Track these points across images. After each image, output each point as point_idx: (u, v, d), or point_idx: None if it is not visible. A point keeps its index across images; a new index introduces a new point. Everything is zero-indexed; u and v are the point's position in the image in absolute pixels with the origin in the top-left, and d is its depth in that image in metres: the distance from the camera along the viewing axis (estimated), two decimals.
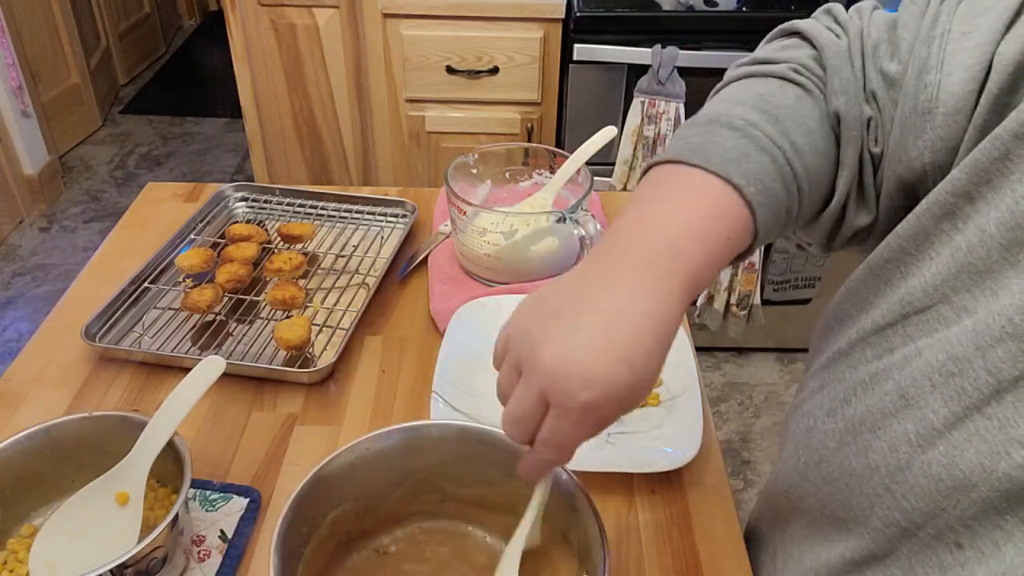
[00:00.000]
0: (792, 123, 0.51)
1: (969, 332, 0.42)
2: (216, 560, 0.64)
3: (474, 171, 1.00)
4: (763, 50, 0.59)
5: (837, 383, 0.52)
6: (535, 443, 0.46)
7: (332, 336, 0.87)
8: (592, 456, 0.73)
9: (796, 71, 0.54)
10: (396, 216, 1.05)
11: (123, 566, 0.55)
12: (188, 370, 0.66)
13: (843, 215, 0.55)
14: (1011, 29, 0.45)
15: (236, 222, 1.04)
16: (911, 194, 0.52)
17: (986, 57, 0.46)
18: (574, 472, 0.56)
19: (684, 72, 1.70)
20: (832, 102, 0.52)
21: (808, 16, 0.58)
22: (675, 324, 0.45)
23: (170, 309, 0.90)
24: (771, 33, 0.60)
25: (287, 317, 0.87)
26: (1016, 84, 0.44)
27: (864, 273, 0.52)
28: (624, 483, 0.71)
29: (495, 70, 1.83)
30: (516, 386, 0.46)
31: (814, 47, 0.55)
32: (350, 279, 0.95)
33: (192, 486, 0.68)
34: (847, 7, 0.57)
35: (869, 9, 0.55)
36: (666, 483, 0.71)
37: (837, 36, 0.54)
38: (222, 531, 0.66)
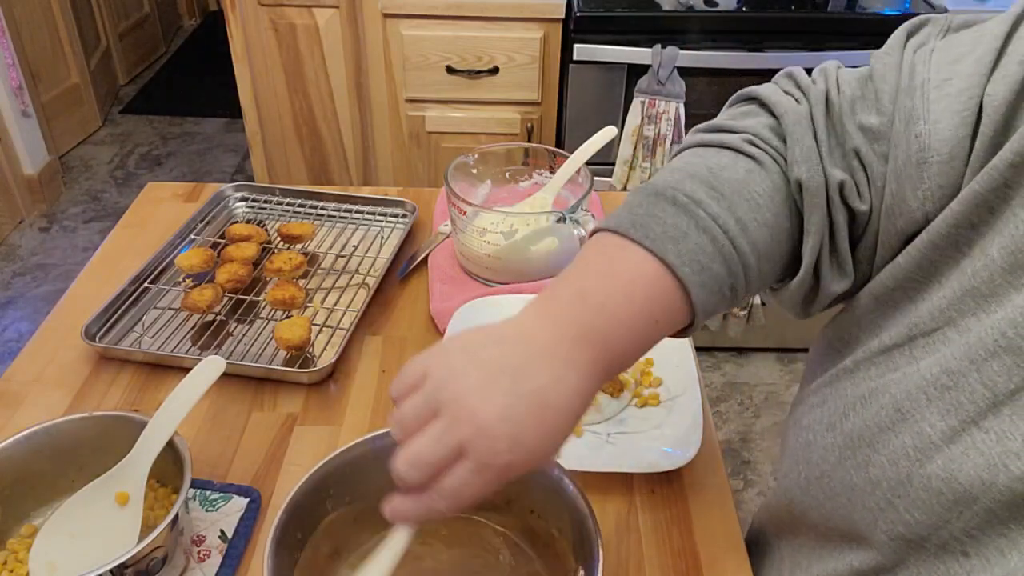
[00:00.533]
0: (739, 198, 0.50)
1: (963, 346, 0.43)
2: (216, 560, 0.64)
3: (474, 171, 1.00)
4: (722, 116, 0.59)
5: (838, 398, 0.53)
6: (430, 490, 0.44)
7: (332, 336, 0.87)
8: (592, 456, 0.73)
9: (750, 142, 0.53)
10: (396, 216, 1.05)
11: (123, 566, 0.55)
12: (188, 370, 0.66)
13: (817, 283, 0.54)
14: (995, 71, 0.46)
15: (236, 222, 1.04)
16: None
17: (973, 101, 0.46)
18: (573, 472, 0.56)
19: (684, 72, 1.70)
20: (793, 171, 0.51)
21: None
22: (588, 403, 0.46)
23: (170, 309, 0.90)
24: (732, 98, 0.60)
25: (287, 317, 0.87)
26: (1008, 123, 0.45)
27: (869, 300, 0.52)
28: (624, 483, 0.71)
29: (495, 70, 1.83)
30: (429, 427, 0.44)
31: (773, 115, 0.54)
32: (350, 279, 0.95)
33: (192, 486, 0.68)
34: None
35: (834, 68, 0.55)
36: (666, 483, 0.71)
37: (797, 101, 0.54)
38: (222, 531, 0.66)
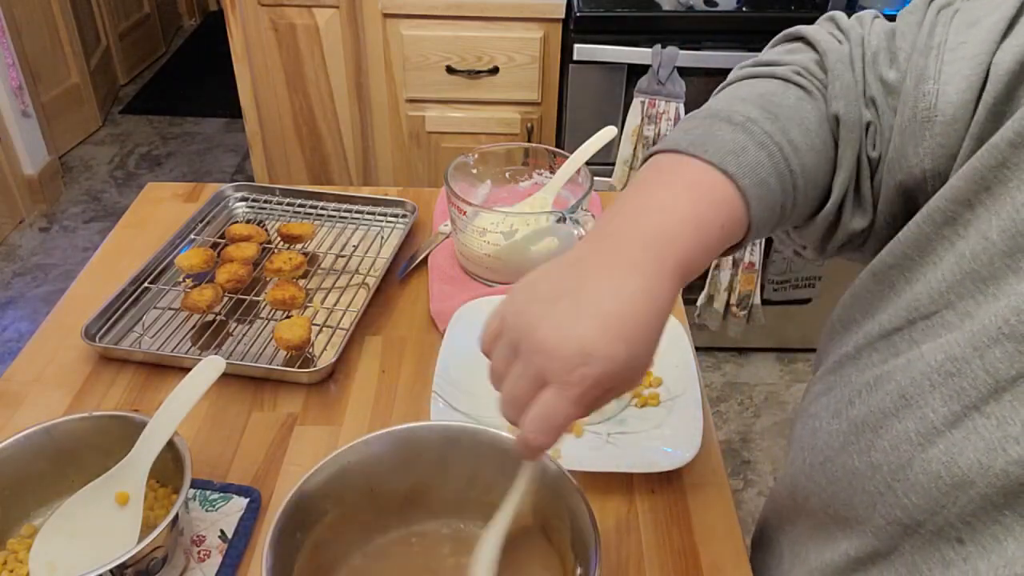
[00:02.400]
0: (791, 122, 0.52)
1: (967, 334, 0.44)
2: (216, 560, 0.64)
3: (474, 171, 1.00)
4: (767, 53, 0.60)
5: (843, 386, 0.53)
6: (524, 423, 0.46)
7: (332, 336, 0.87)
8: (592, 456, 0.73)
9: (798, 73, 0.55)
10: (396, 216, 1.05)
11: (123, 566, 0.55)
12: (188, 370, 0.66)
13: (839, 218, 0.56)
14: (1005, 39, 0.47)
15: (236, 222, 1.04)
16: (910, 199, 0.53)
17: (982, 67, 0.47)
18: (572, 471, 0.56)
19: (684, 72, 1.70)
20: (832, 105, 0.53)
21: (807, 17, 0.58)
22: (668, 304, 0.46)
23: (170, 309, 0.90)
24: (776, 38, 0.61)
25: (287, 317, 0.87)
26: (1011, 93, 0.45)
27: (868, 279, 0.53)
28: (624, 483, 0.71)
29: (495, 70, 1.83)
30: (512, 368, 0.46)
31: (816, 51, 0.56)
32: (350, 279, 0.95)
33: (192, 486, 0.68)
34: (849, 15, 0.58)
35: (870, 18, 0.56)
36: (666, 483, 0.71)
37: (839, 42, 0.55)
38: (222, 531, 0.66)
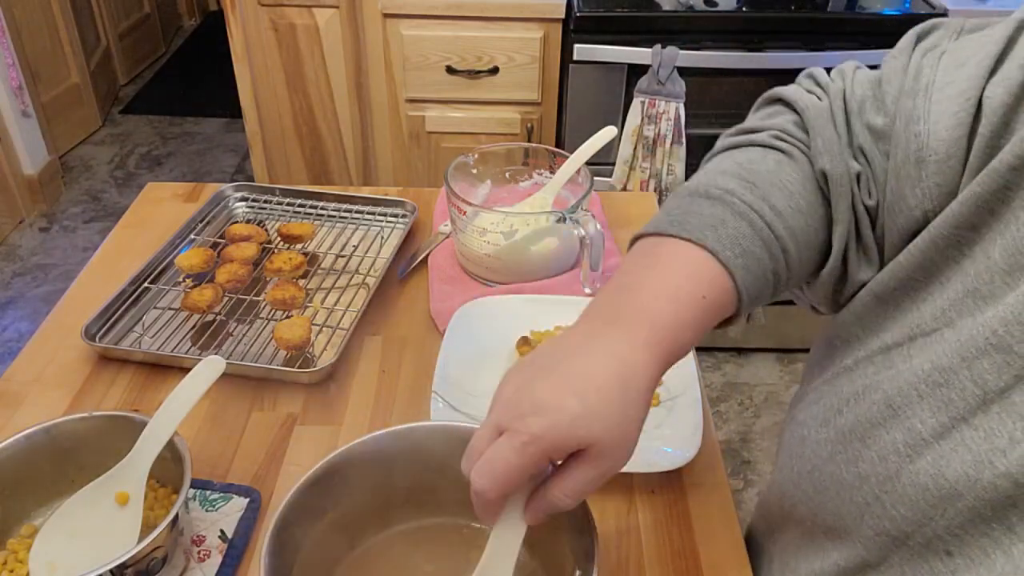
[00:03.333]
0: (772, 187, 0.52)
1: (955, 344, 0.44)
2: (216, 560, 0.64)
3: (474, 171, 1.00)
4: (749, 120, 0.61)
5: (833, 395, 0.53)
6: (472, 467, 0.45)
7: (332, 336, 0.87)
8: None
9: (777, 137, 0.55)
10: (396, 216, 1.05)
11: (123, 566, 0.55)
12: (188, 370, 0.66)
13: (845, 271, 0.55)
14: (995, 74, 0.47)
15: (236, 222, 1.04)
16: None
17: (971, 103, 0.47)
18: None
19: (684, 72, 1.70)
20: (817, 162, 0.53)
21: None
22: (641, 373, 0.46)
23: (170, 309, 0.90)
24: (757, 102, 0.62)
25: (287, 317, 0.87)
26: (1008, 125, 0.46)
27: (870, 299, 0.53)
28: (624, 483, 0.71)
29: (495, 70, 1.83)
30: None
31: (796, 111, 0.56)
32: (350, 279, 0.95)
33: (192, 486, 0.68)
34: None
35: (852, 69, 0.57)
36: (666, 483, 0.71)
37: (819, 98, 0.56)
38: (222, 531, 0.66)
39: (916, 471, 0.44)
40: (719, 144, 0.60)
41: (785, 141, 0.55)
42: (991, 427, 0.41)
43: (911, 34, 0.55)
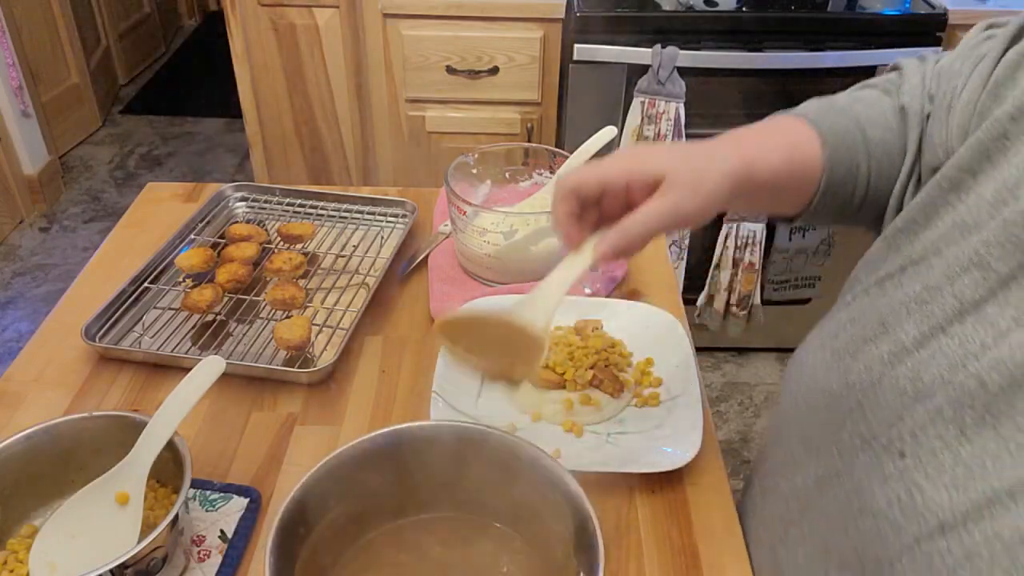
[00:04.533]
0: (864, 103, 0.65)
1: (941, 267, 0.49)
2: (216, 560, 0.64)
3: (474, 171, 1.00)
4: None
5: (832, 324, 0.59)
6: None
7: (332, 336, 0.87)
8: (592, 456, 0.73)
9: (880, 83, 0.69)
10: (396, 216, 1.05)
11: (123, 566, 0.55)
12: (188, 370, 0.66)
13: (902, 201, 0.62)
14: (1015, 43, 0.56)
15: (236, 222, 1.04)
16: None
17: (992, 61, 0.56)
18: (573, 472, 0.56)
19: (684, 72, 1.70)
20: (900, 98, 0.64)
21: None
22: (720, 157, 0.57)
23: (170, 309, 0.90)
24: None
25: (287, 317, 0.87)
26: (1014, 77, 0.54)
27: (880, 244, 0.58)
28: (624, 483, 0.71)
29: (495, 70, 1.83)
30: None
31: (899, 69, 0.68)
32: (350, 279, 0.95)
33: (192, 486, 0.68)
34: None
35: (934, 59, 0.67)
36: (666, 483, 0.72)
37: (919, 61, 0.67)
38: (222, 531, 0.66)
39: (896, 376, 0.49)
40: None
41: (884, 85, 0.67)
42: (966, 335, 0.46)
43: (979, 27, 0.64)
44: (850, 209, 0.65)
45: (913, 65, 0.67)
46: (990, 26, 0.62)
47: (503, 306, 0.58)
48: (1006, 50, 0.55)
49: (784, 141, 0.61)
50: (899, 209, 0.61)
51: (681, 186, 0.54)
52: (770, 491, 0.64)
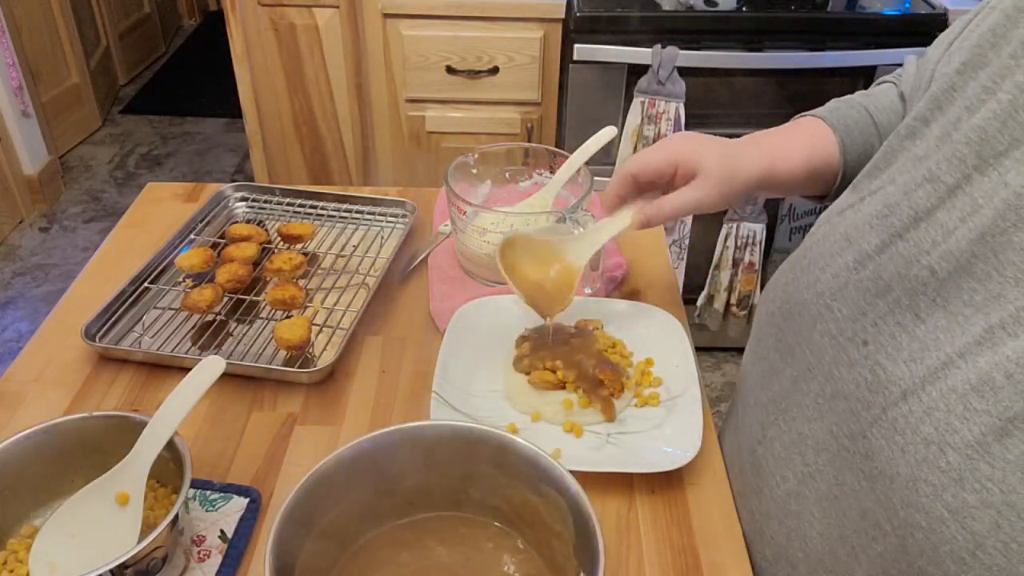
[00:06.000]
0: (878, 99, 0.78)
1: (902, 185, 0.56)
2: (216, 560, 0.64)
3: (474, 171, 1.00)
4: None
5: (801, 249, 0.67)
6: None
7: (332, 336, 0.87)
8: (592, 456, 0.73)
9: (892, 77, 0.81)
10: (396, 216, 1.05)
11: (123, 566, 0.55)
12: (188, 370, 0.66)
13: None
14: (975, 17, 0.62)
15: (236, 222, 1.04)
16: None
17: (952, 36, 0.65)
18: (573, 472, 0.56)
19: (684, 72, 1.70)
20: (901, 86, 0.77)
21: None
22: (746, 157, 0.74)
23: (170, 309, 0.90)
24: None
25: (287, 317, 0.87)
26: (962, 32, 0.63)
27: (847, 191, 0.65)
28: (624, 483, 0.71)
29: (495, 70, 1.83)
30: None
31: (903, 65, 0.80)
32: (350, 279, 0.95)
33: (192, 486, 0.68)
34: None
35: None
36: (666, 483, 0.72)
37: (920, 55, 0.75)
38: (222, 531, 0.66)
39: (860, 279, 0.57)
40: None
41: (892, 78, 0.80)
42: (920, 237, 0.53)
43: None
44: None
45: (910, 62, 0.77)
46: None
47: (553, 236, 0.78)
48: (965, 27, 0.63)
49: (804, 142, 0.75)
50: None
51: (713, 184, 0.72)
52: (750, 407, 0.71)
